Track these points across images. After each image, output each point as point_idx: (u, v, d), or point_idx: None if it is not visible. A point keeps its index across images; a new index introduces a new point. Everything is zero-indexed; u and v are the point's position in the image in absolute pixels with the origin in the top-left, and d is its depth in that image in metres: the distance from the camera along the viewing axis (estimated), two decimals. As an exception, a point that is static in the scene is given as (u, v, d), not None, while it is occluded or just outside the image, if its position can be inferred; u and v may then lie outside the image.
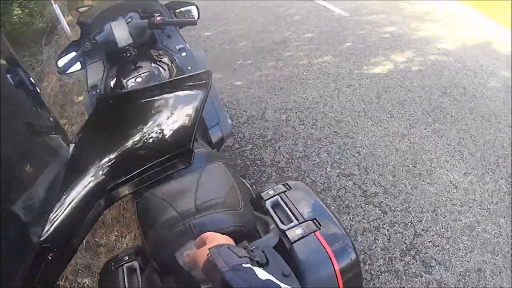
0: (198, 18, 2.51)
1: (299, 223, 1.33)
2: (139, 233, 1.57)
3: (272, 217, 1.41)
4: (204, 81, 0.98)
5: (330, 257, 1.22)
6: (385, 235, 2.64)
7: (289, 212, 1.39)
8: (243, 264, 0.82)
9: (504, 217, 2.80)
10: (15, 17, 6.65)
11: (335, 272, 1.20)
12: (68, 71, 2.33)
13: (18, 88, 1.08)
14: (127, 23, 2.19)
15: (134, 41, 2.19)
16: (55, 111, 4.52)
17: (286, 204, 1.43)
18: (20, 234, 0.94)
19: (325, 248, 1.24)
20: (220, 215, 1.33)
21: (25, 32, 6.62)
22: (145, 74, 2.05)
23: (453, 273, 2.45)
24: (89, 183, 1.09)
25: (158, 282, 1.31)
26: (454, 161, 3.16)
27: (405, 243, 2.59)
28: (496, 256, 2.57)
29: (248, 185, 1.96)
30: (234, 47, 5.37)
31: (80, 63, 2.37)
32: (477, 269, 2.48)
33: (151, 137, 0.98)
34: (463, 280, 2.43)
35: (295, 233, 1.30)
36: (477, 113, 3.75)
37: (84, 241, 2.80)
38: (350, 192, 2.94)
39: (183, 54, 2.37)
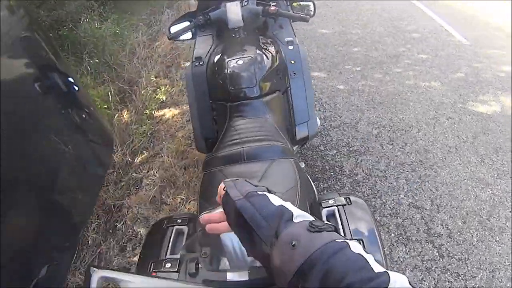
0: (313, 15, 2.51)
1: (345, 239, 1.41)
2: (197, 203, 1.62)
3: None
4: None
5: None
6: (434, 279, 2.64)
7: (340, 226, 1.43)
8: (258, 192, 0.82)
9: None
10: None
11: None
12: (178, 38, 2.42)
13: (48, 93, 1.08)
14: (242, 6, 2.23)
15: (245, 25, 2.22)
16: (161, 70, 4.96)
17: (341, 218, 1.47)
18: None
19: None
20: None
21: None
22: (248, 58, 2.04)
23: None
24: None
25: (197, 251, 1.34)
26: None
27: None
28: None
29: (315, 188, 2.02)
30: (346, 51, 5.45)
31: (192, 33, 2.45)
32: None
33: None
34: None
35: None
36: None
37: (151, 195, 3.11)
38: (415, 225, 2.97)
39: (290, 47, 2.36)
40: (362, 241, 1.35)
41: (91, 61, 4.47)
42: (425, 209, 3.09)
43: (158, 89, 4.53)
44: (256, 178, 1.53)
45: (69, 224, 1.13)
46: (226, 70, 2.00)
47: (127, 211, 3.05)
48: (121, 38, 5.27)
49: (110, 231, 2.94)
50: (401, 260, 2.75)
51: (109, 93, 4.12)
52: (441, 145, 3.73)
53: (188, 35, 2.44)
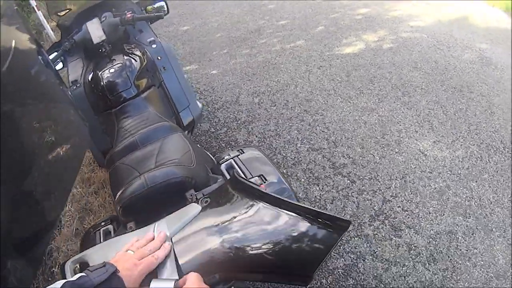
0: (167, 13, 2.68)
1: (247, 178, 1.44)
2: (113, 198, 1.65)
3: (224, 176, 1.55)
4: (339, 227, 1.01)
5: None
6: (354, 202, 2.59)
7: (240, 171, 1.53)
8: None
9: (475, 181, 2.74)
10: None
11: None
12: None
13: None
14: (101, 22, 2.33)
15: (108, 38, 2.29)
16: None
17: (238, 165, 1.57)
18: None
19: None
20: (171, 168, 1.47)
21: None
22: (118, 65, 2.15)
23: (423, 236, 2.40)
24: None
25: None
26: (423, 131, 3.09)
27: (374, 209, 2.54)
28: (468, 218, 2.51)
29: (211, 156, 2.00)
30: (210, 39, 5.29)
31: (62, 62, 2.53)
32: (448, 231, 2.43)
33: (273, 249, 0.96)
34: (434, 242, 2.38)
35: None
36: (448, 85, 3.69)
37: (74, 228, 2.92)
38: (319, 165, 2.88)
39: (154, 46, 2.50)
40: (263, 176, 1.45)
41: None
42: (324, 148, 3.02)
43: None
44: (153, 156, 1.66)
45: (41, 218, 1.10)
46: (101, 82, 2.11)
47: (58, 253, 2.88)
48: None
49: (50, 279, 2.76)
50: (318, 197, 2.67)
51: None
52: (320, 91, 3.69)
53: (59, 65, 2.51)
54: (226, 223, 1.06)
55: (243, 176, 1.48)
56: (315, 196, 2.66)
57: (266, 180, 1.43)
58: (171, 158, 1.59)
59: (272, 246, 0.97)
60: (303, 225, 0.95)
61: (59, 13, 2.68)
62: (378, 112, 3.29)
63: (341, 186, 2.69)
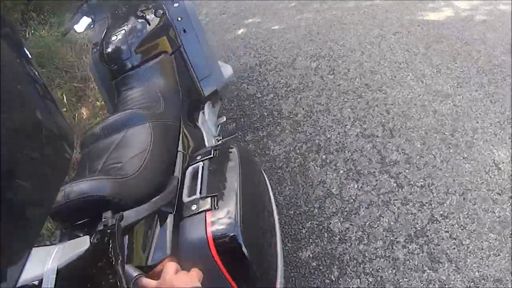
0: None
1: (199, 197, 1.24)
2: None
3: (183, 185, 1.34)
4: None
5: (208, 241, 1.12)
6: (394, 213, 2.09)
7: (199, 183, 1.29)
8: None
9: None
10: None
11: (213, 257, 1.10)
12: (80, 30, 2.38)
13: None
14: None
15: None
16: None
17: (203, 173, 1.33)
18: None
19: (206, 231, 1.14)
20: (95, 182, 1.24)
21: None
22: (121, 31, 1.99)
23: (465, 277, 1.83)
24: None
25: None
26: (505, 136, 2.40)
27: (415, 228, 2.02)
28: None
29: (186, 145, 1.77)
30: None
31: (93, 21, 2.35)
32: (496, 279, 1.81)
33: None
34: (474, 288, 1.82)
35: (190, 208, 1.22)
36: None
37: None
38: (366, 156, 2.39)
39: (175, 5, 2.21)
40: (216, 198, 1.22)
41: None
42: (377, 136, 2.50)
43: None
44: (107, 152, 1.48)
45: (25, 221, 0.81)
46: (104, 51, 1.97)
47: None
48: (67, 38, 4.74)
49: None
50: (353, 198, 2.22)
51: (63, 95, 3.73)
52: (389, 63, 3.07)
53: (85, 23, 2.34)
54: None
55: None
56: (350, 195, 2.21)
57: (217, 206, 1.18)
58: (119, 159, 1.40)
59: None
60: None
61: None
62: (454, 100, 2.64)
63: (384, 189, 2.20)
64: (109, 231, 1.05)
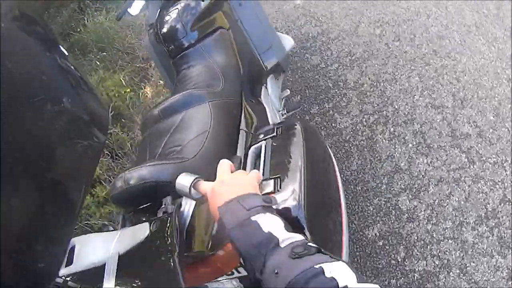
0: None
1: (262, 180, 1.14)
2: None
3: (245, 166, 1.33)
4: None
5: None
6: (464, 191, 2.10)
7: (262, 164, 1.26)
8: (251, 217, 0.81)
9: None
10: None
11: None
12: (134, 13, 2.31)
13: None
14: None
15: None
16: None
17: (265, 154, 1.29)
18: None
19: None
20: (154, 168, 1.30)
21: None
22: (174, 10, 1.96)
23: None
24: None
25: None
26: None
27: (486, 208, 2.03)
28: None
29: (249, 123, 1.71)
30: None
31: (146, 1, 2.30)
32: None
33: None
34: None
35: None
36: None
37: None
38: (436, 128, 2.39)
39: None
40: (279, 180, 1.16)
41: (101, 55, 4.26)
42: (447, 107, 2.48)
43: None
44: (165, 135, 1.53)
45: (60, 213, 0.96)
46: (159, 31, 1.95)
47: None
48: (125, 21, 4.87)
49: None
50: (423, 174, 2.24)
51: (125, 76, 3.88)
52: (458, 27, 2.97)
53: (137, 5, 2.23)
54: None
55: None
56: (419, 171, 2.23)
57: (279, 188, 1.12)
58: (178, 143, 1.44)
59: None
60: None
61: None
62: (530, 65, 2.55)
63: (454, 165, 2.19)
64: (167, 218, 1.06)
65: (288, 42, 2.44)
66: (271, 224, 0.80)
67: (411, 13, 3.23)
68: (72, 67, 1.07)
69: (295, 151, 1.25)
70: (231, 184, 0.91)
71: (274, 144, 1.31)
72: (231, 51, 1.99)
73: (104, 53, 4.23)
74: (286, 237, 0.77)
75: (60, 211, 0.91)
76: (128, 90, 3.68)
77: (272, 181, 1.14)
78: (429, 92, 2.58)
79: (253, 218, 0.80)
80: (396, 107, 2.58)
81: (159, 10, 2.13)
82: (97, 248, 1.02)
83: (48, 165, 0.88)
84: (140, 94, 3.66)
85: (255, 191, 0.91)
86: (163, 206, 1.22)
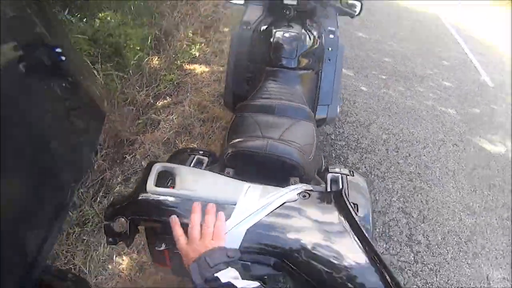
0: (358, 14, 2.63)
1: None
2: (221, 142, 1.77)
3: (326, 185, 1.50)
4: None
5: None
6: (404, 279, 2.63)
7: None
8: (214, 274, 0.89)
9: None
10: None
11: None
12: (231, 2, 2.71)
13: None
14: None
15: (298, 5, 2.38)
16: (199, 28, 5.07)
17: (342, 184, 1.48)
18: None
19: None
20: (293, 149, 1.50)
21: None
22: (293, 33, 2.20)
23: None
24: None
25: None
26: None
27: None
28: None
29: (322, 158, 2.13)
30: (377, 58, 5.44)
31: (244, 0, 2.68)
32: None
33: (331, 273, 1.02)
34: None
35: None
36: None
37: (166, 137, 3.25)
38: (399, 227, 2.97)
39: (331, 36, 2.49)
40: (357, 205, 1.36)
41: (132, 2, 4.52)
42: (412, 216, 3.10)
43: (193, 45, 4.63)
44: (280, 129, 1.69)
45: (56, 195, 1.14)
46: (272, 39, 2.18)
47: (139, 147, 3.13)
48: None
49: (118, 161, 3.01)
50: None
51: (148, 37, 4.20)
52: (441, 166, 3.72)
53: (241, 1, 2.69)
54: (310, 227, 1.09)
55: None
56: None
57: (357, 212, 1.24)
58: (295, 140, 1.60)
59: (332, 271, 0.99)
60: (370, 273, 0.96)
61: None
62: (477, 218, 3.26)
63: (403, 258, 2.76)
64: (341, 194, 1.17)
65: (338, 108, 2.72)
66: (230, 276, 0.89)
67: (413, 138, 3.98)
68: (72, 71, 1.24)
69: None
70: (199, 241, 0.98)
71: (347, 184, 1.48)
72: (310, 91, 2.32)
73: (141, 3, 4.64)
74: (244, 285, 0.87)
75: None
76: (138, 48, 3.95)
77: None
78: (404, 200, 3.21)
79: (216, 274, 0.89)
80: (377, 198, 3.17)
81: (261, 17, 2.53)
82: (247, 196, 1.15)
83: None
84: (146, 59, 3.99)
85: (221, 242, 0.99)
86: (292, 182, 1.40)
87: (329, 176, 1.54)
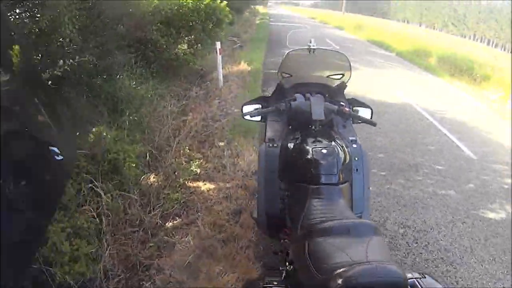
0: (375, 123, 2.65)
1: None
2: (306, 266, 1.60)
3: None
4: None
5: None
6: None
7: None
8: None
9: None
10: (180, 51, 7.30)
11: None
12: (248, 118, 2.66)
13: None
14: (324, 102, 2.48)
15: (324, 119, 2.45)
16: (193, 144, 5.25)
17: None
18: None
19: None
20: (398, 266, 1.43)
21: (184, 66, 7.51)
22: (331, 148, 2.18)
23: None
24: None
25: None
26: None
27: None
28: None
29: None
30: (372, 156, 5.99)
31: (262, 117, 2.72)
32: None
33: None
34: None
35: None
36: None
37: (186, 261, 3.11)
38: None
39: (354, 145, 2.50)
40: None
41: (127, 118, 4.59)
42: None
43: (191, 161, 4.74)
44: (364, 248, 1.56)
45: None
46: (309, 156, 2.14)
47: (156, 272, 3.01)
48: (152, 103, 5.55)
49: None
50: None
51: (145, 153, 4.29)
52: (458, 246, 4.15)
53: (258, 118, 2.73)
54: None
55: None
56: None
57: None
58: (383, 257, 1.52)
59: None
60: None
61: (283, 74, 2.88)
62: (504, 283, 3.66)
63: None
64: None
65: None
66: None
67: (427, 226, 4.46)
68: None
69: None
70: None
71: None
72: (349, 202, 2.26)
73: (131, 118, 4.73)
74: None
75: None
76: (134, 165, 3.89)
77: None
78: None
79: None
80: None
81: (295, 136, 2.45)
82: None
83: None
84: (142, 177, 4.02)
85: None
86: None
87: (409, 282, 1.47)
